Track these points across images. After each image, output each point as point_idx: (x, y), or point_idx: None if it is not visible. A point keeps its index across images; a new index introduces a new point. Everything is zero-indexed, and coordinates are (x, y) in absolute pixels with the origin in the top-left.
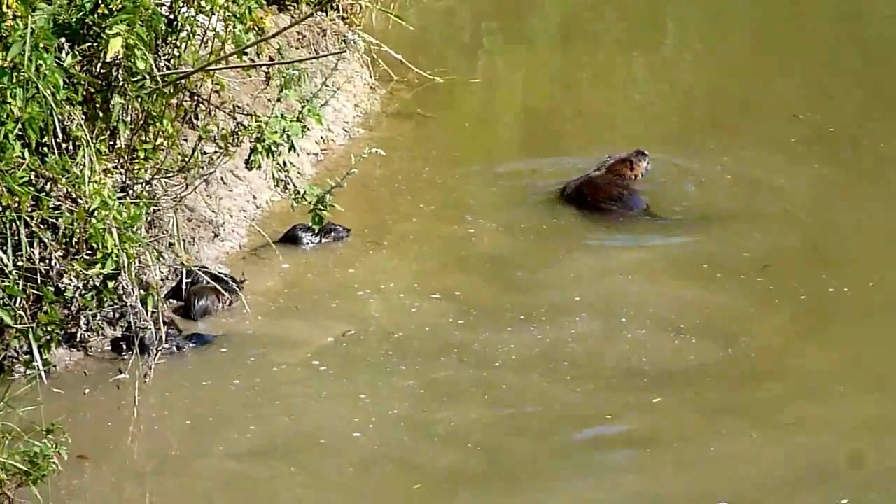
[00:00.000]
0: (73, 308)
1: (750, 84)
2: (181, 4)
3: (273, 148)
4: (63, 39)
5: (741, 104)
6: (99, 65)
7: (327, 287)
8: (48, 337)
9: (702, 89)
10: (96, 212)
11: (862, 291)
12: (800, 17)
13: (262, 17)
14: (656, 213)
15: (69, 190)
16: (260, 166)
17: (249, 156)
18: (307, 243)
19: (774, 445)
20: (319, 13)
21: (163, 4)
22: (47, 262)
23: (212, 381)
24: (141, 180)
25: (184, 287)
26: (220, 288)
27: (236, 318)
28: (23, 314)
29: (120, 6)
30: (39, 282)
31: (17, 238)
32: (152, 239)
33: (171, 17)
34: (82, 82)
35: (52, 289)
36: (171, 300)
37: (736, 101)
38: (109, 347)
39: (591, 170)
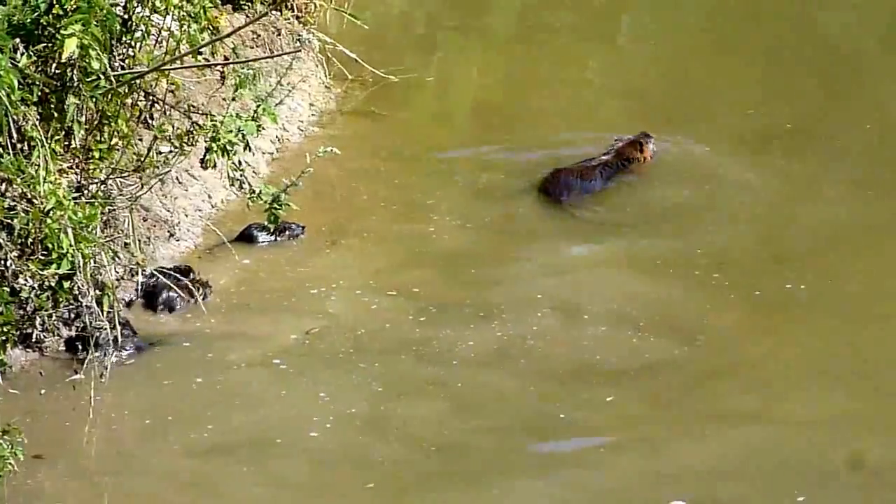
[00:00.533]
0: (28, 308)
1: (706, 79)
2: (136, 4)
3: (228, 147)
4: (17, 40)
5: (697, 99)
6: (54, 65)
7: (284, 285)
8: (3, 337)
9: (658, 85)
10: (51, 212)
11: (818, 288)
12: (756, 11)
13: (216, 17)
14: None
15: (24, 190)
16: (215, 165)
17: (205, 155)
18: (262, 242)
19: (729, 441)
20: (274, 12)
21: (117, 4)
22: (2, 262)
23: (171, 380)
24: (96, 180)
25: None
26: (189, 284)
27: (194, 318)
28: None
29: (74, 6)
30: None
31: None
32: (108, 239)
33: (126, 17)
34: (37, 82)
35: (7, 289)
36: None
37: (692, 97)
38: (65, 348)
39: (601, 154)
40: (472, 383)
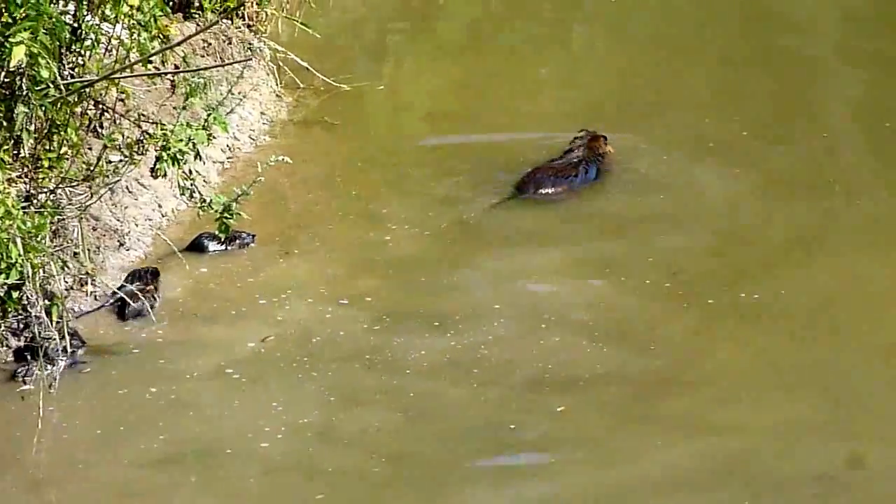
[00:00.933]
0: None
1: (661, 86)
2: (85, 13)
3: (179, 156)
4: None
5: (652, 108)
6: (2, 73)
7: (235, 295)
8: None
9: (612, 93)
10: (0, 222)
11: (772, 297)
12: (708, 20)
13: (167, 25)
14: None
15: None
16: (165, 175)
17: (155, 164)
18: (213, 251)
19: (681, 451)
20: (225, 21)
21: (67, 13)
22: None
23: (122, 390)
24: (45, 189)
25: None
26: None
27: (145, 327)
28: None
29: (23, 14)
30: None
31: None
32: (57, 248)
33: (76, 25)
34: None
35: None
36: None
37: (646, 105)
38: (13, 358)
39: (567, 151)
40: (424, 393)
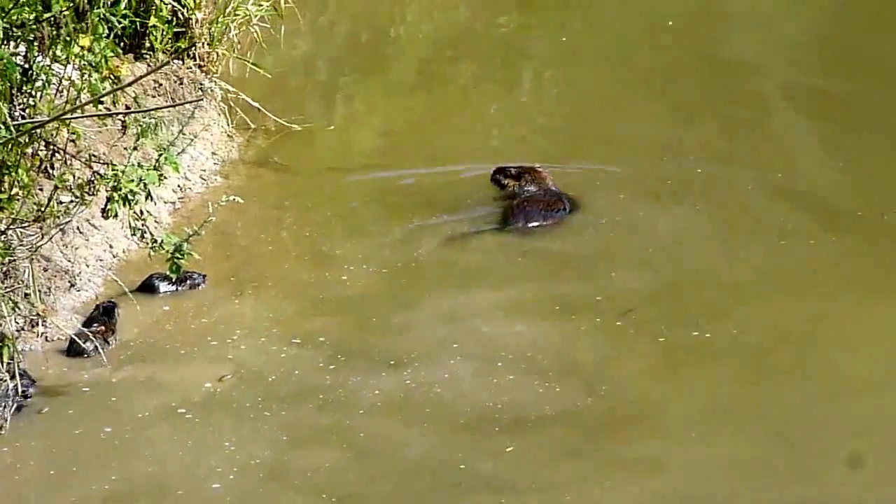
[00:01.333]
0: None
1: (613, 126)
2: (36, 53)
3: (130, 197)
4: None
5: (604, 144)
6: None
7: (188, 335)
8: None
9: (563, 130)
10: None
11: (723, 336)
12: (659, 62)
13: (117, 66)
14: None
15: None
16: (116, 215)
17: (106, 205)
18: (164, 292)
19: (631, 491)
20: (176, 61)
21: (18, 54)
22: None
23: (74, 430)
24: None
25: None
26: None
27: (97, 367)
28: None
29: None
30: None
31: None
32: (8, 289)
33: (27, 66)
34: None
35: None
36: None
37: (598, 142)
38: None
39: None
40: (375, 432)
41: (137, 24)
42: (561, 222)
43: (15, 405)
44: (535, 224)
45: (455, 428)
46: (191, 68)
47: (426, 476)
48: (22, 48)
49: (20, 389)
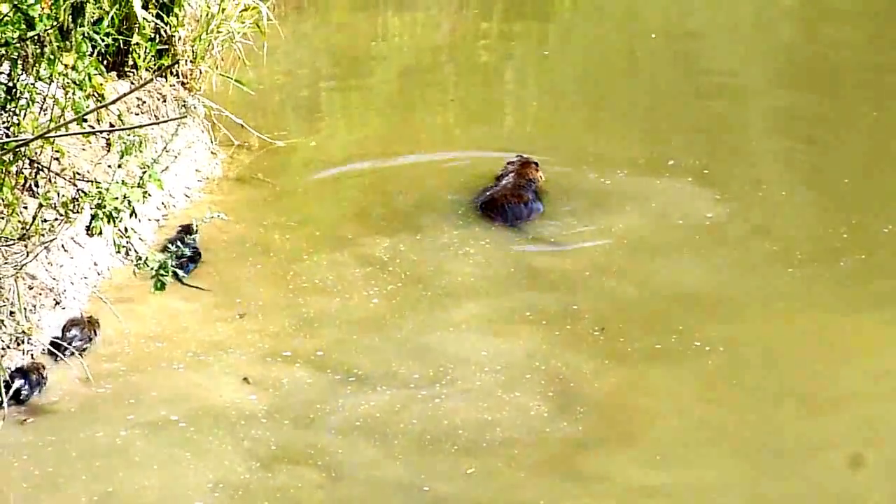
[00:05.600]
0: None
1: (590, 138)
2: (20, 72)
3: (114, 214)
4: None
5: (577, 160)
6: None
7: (171, 351)
8: None
9: (544, 144)
10: None
11: (698, 351)
12: (635, 72)
13: (101, 84)
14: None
15: None
16: (101, 233)
17: (90, 222)
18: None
19: None
20: (159, 79)
21: (2, 72)
22: None
23: (60, 445)
24: None
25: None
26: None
27: (80, 382)
28: None
29: None
30: None
31: None
32: None
33: (10, 84)
34: None
35: None
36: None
37: (572, 157)
38: None
39: (501, 174)
40: (344, 452)
41: (120, 41)
42: (535, 222)
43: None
44: (520, 222)
45: (423, 449)
46: (174, 86)
47: (393, 499)
48: (6, 66)
49: (6, 405)
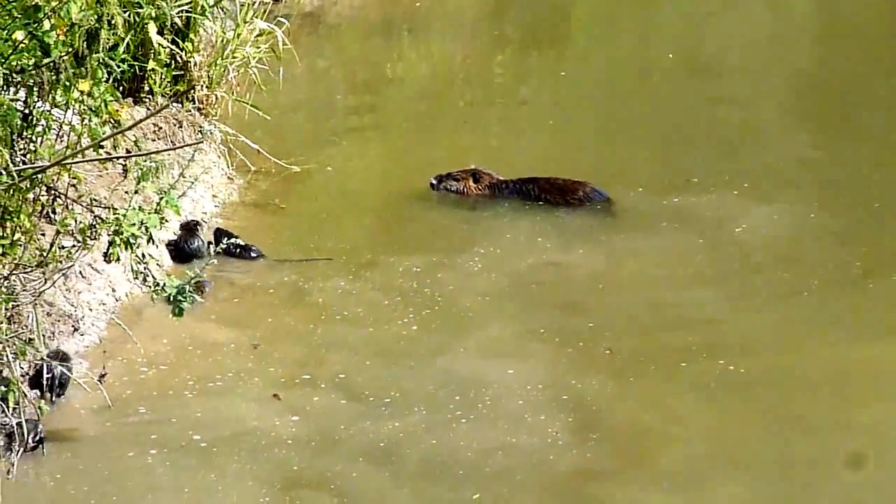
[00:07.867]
0: None
1: (607, 161)
2: (36, 99)
3: (131, 240)
4: None
5: (593, 180)
6: None
7: (188, 379)
8: None
9: (558, 167)
10: None
11: (716, 377)
12: (651, 97)
13: (117, 110)
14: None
15: None
16: (119, 259)
17: (108, 249)
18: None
19: None
20: (175, 104)
21: (18, 99)
22: None
23: (80, 475)
24: None
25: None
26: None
27: (100, 408)
28: None
29: None
30: None
31: None
32: (12, 335)
33: (27, 111)
34: None
35: None
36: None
37: (588, 177)
38: None
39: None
40: (356, 480)
41: (136, 67)
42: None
43: (22, 449)
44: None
45: (430, 477)
46: (190, 111)
47: None
48: (22, 94)
49: (28, 434)
